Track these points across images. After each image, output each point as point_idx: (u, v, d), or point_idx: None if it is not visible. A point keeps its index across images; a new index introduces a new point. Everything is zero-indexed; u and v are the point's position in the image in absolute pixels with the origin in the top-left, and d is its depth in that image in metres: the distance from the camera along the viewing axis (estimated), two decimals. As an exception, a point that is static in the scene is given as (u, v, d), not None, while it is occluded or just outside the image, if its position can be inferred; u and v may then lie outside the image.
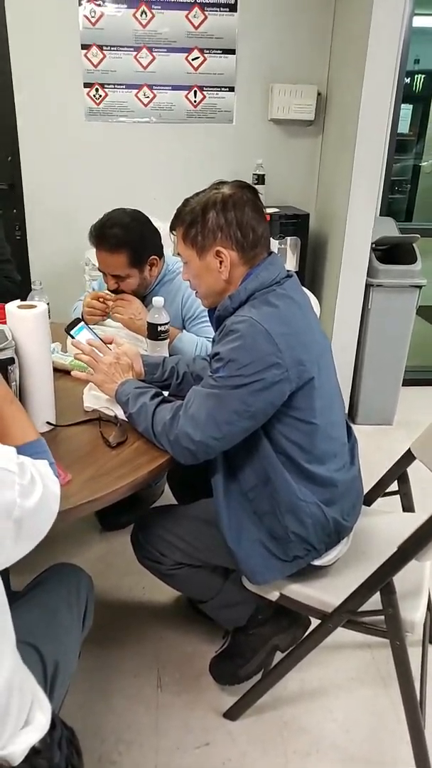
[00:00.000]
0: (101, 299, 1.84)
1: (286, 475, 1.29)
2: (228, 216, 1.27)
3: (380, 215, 3.13)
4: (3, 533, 0.76)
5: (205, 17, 2.84)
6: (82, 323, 1.56)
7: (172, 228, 1.36)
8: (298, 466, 1.30)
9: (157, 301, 1.68)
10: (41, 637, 1.06)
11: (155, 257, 1.84)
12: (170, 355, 1.68)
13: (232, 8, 2.84)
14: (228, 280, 1.31)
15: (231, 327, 1.23)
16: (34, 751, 0.87)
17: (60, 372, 1.66)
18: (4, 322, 1.26)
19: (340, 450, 1.39)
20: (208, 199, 1.29)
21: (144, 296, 1.92)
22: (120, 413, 1.42)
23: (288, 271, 1.35)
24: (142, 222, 1.82)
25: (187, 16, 2.83)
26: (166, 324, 1.66)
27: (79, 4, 2.75)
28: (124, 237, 1.75)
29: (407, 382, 3.12)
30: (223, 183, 1.34)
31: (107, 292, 1.86)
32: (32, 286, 1.79)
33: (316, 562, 1.36)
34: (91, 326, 1.59)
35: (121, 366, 1.47)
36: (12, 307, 1.26)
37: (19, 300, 1.32)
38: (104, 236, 1.75)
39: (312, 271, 3.19)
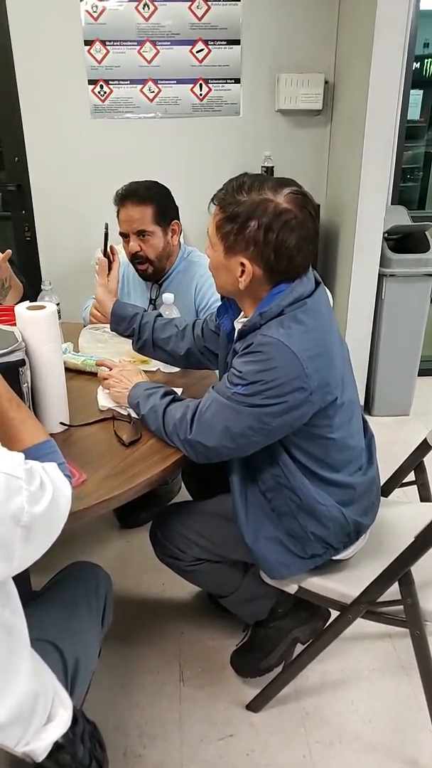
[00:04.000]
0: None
1: (304, 481, 1.27)
2: (269, 236, 1.13)
3: (392, 204, 3.09)
4: (12, 539, 0.76)
5: (209, 8, 2.81)
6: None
7: (213, 200, 1.21)
8: (314, 473, 1.28)
9: (167, 297, 1.71)
10: (61, 635, 1.07)
11: (177, 223, 1.91)
12: None
13: (235, -2, 2.81)
14: (246, 290, 1.22)
15: (257, 347, 1.16)
16: (57, 747, 0.88)
17: (72, 372, 1.67)
18: (14, 324, 1.26)
19: (357, 456, 1.36)
20: (259, 204, 1.13)
21: (161, 282, 1.97)
22: (134, 412, 1.43)
23: (316, 277, 1.27)
24: (164, 187, 1.92)
25: (190, 8, 2.80)
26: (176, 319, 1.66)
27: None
28: (151, 191, 1.86)
29: (423, 372, 3.09)
30: (286, 185, 1.16)
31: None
32: (42, 287, 1.81)
33: (335, 557, 1.36)
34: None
35: (128, 372, 1.50)
36: (21, 308, 1.27)
37: (28, 301, 1.33)
38: (132, 191, 1.85)
39: (324, 262, 3.17)
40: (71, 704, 0.93)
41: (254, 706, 1.56)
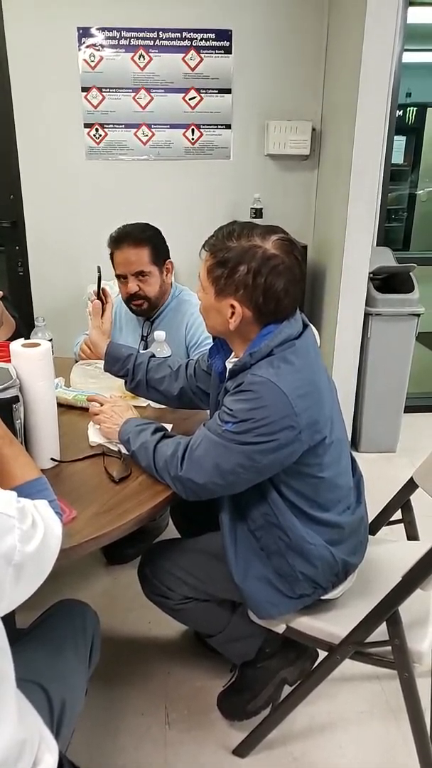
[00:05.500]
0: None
1: (294, 520, 1.28)
2: (257, 280, 1.18)
3: (377, 245, 3.17)
4: (3, 579, 0.76)
5: (201, 59, 2.94)
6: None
7: (204, 246, 1.26)
8: (303, 512, 1.29)
9: (159, 335, 1.73)
10: (47, 676, 1.06)
11: (170, 261, 1.98)
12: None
13: (227, 50, 2.94)
14: (235, 331, 1.26)
15: (248, 386, 1.19)
16: (42, 793, 0.86)
17: (63, 407, 1.68)
18: (8, 361, 1.28)
19: (345, 495, 1.38)
20: (248, 250, 1.18)
21: (152, 319, 2.02)
22: (124, 448, 1.43)
23: (303, 319, 1.30)
24: (156, 228, 1.98)
25: (183, 59, 2.93)
26: (168, 357, 1.69)
27: (79, 49, 2.85)
28: (146, 233, 1.91)
29: (409, 409, 3.13)
30: (274, 232, 1.21)
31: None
32: (35, 323, 1.83)
33: (323, 597, 1.36)
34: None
35: (119, 408, 1.51)
36: (16, 346, 1.28)
37: (23, 338, 1.35)
38: (127, 233, 1.90)
39: (311, 301, 3.23)
40: (57, 748, 0.92)
41: (241, 751, 1.52)
